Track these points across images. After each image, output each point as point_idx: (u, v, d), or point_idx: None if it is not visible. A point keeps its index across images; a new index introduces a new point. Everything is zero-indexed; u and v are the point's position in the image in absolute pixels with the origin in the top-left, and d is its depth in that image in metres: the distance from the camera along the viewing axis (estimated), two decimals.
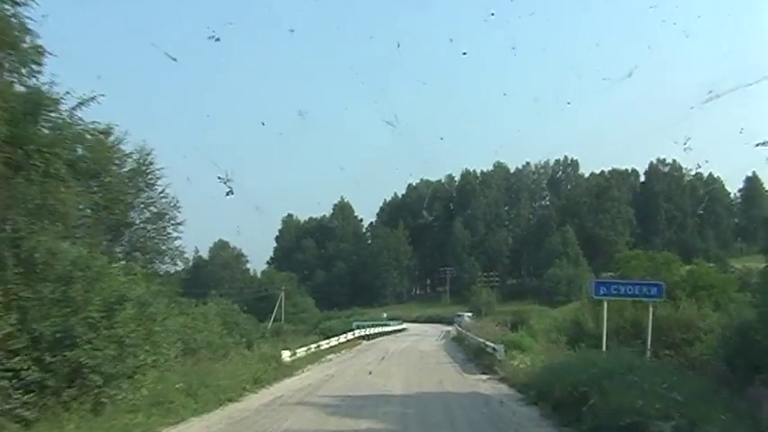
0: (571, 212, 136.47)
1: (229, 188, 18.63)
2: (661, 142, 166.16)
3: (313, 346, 30.66)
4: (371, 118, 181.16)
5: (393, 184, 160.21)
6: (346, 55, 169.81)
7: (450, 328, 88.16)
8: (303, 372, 25.75)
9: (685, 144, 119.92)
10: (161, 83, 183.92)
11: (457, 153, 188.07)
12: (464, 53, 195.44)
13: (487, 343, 27.15)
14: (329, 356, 32.56)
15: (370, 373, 24.87)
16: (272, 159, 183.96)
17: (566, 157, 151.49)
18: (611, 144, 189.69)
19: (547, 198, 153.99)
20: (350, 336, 42.38)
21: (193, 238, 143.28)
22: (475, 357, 29.24)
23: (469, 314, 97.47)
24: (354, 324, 49.85)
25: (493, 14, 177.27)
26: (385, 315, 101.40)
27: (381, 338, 53.55)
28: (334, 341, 36.64)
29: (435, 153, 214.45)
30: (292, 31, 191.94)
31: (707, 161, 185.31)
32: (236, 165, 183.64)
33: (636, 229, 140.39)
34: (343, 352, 36.51)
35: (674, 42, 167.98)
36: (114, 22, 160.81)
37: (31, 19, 13.16)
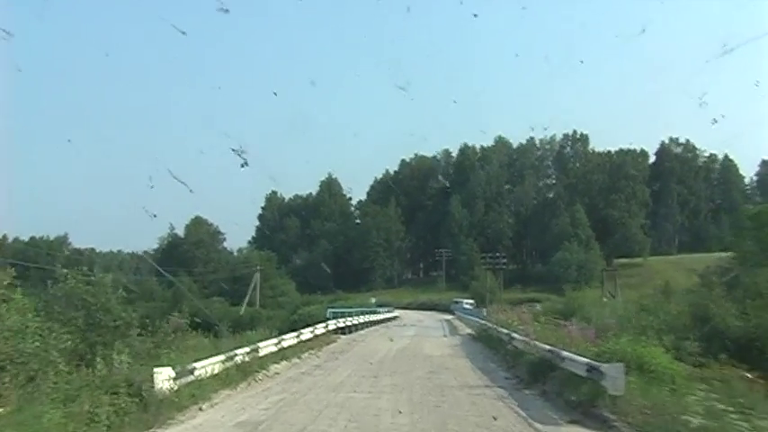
0: (581, 191, 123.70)
1: (244, 160, 20.72)
2: (676, 101, 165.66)
3: (241, 351, 17.20)
4: (384, 84, 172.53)
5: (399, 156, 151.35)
6: (357, 21, 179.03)
7: (449, 316, 77.18)
8: (184, 421, 12.31)
9: (701, 99, 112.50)
10: (170, 56, 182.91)
11: (469, 120, 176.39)
12: (475, 15, 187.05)
13: (575, 358, 13.84)
14: (274, 368, 19.34)
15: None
16: (284, 131, 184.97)
17: (574, 131, 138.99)
18: (624, 113, 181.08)
19: (553, 176, 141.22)
20: (321, 329, 29.09)
21: (208, 211, 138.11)
22: (534, 378, 16.09)
23: (470, 301, 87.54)
24: (329, 312, 36.14)
25: None
26: (373, 300, 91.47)
27: (367, 331, 40.24)
28: (290, 338, 23.32)
29: (449, 118, 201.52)
30: None
31: (723, 116, 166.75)
32: (249, 137, 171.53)
33: (651, 211, 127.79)
34: (304, 357, 23.17)
35: None
36: None
37: None
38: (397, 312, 76.20)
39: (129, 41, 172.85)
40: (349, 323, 37.01)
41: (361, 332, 38.53)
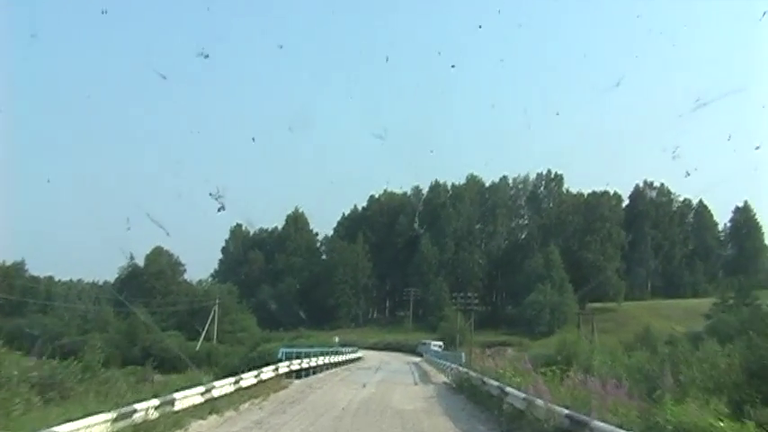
0: (554, 232, 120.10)
1: (221, 204, 21.78)
2: (650, 152, 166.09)
3: (144, 406, 12.29)
4: (361, 132, 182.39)
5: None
6: (336, 70, 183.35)
7: (417, 358, 73.24)
8: None
9: (674, 152, 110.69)
10: (152, 99, 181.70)
11: (445, 167, 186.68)
12: (453, 66, 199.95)
13: None
14: (195, 426, 14.51)
15: None
16: (262, 174, 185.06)
17: (548, 170, 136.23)
18: (599, 159, 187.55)
19: (526, 216, 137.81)
20: (269, 372, 24.01)
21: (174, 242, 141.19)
22: None
23: (439, 343, 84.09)
24: (281, 353, 30.41)
25: (480, 27, 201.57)
26: (336, 339, 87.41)
27: (327, 375, 35.34)
28: (225, 385, 18.36)
29: (424, 167, 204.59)
30: (281, 47, 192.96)
31: (696, 169, 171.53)
32: (227, 180, 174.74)
33: (627, 254, 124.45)
34: (243, 408, 18.24)
35: (661, 51, 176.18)
36: (104, 41, 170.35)
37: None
38: (361, 353, 71.60)
39: (110, 84, 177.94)
40: (306, 365, 32.14)
41: (320, 375, 33.60)
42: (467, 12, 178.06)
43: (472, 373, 24.12)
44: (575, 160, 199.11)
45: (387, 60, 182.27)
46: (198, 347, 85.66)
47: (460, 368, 28.98)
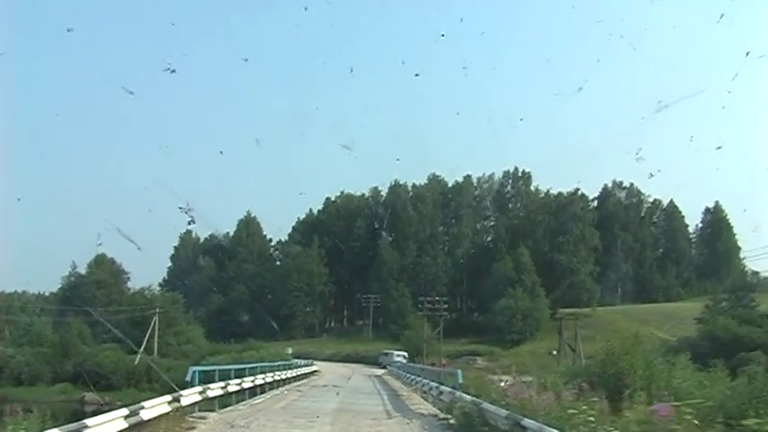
0: (523, 233, 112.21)
1: (191, 217, 18.78)
2: (614, 156, 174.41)
3: None
4: (328, 143, 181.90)
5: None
6: (300, 82, 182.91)
7: (379, 371, 65.91)
8: None
9: (637, 154, 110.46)
10: (118, 115, 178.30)
11: (409, 170, 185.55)
12: (416, 75, 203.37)
13: None
14: None
15: None
16: (230, 188, 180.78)
17: (515, 168, 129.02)
18: (564, 165, 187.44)
19: (492, 217, 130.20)
20: (161, 404, 14.87)
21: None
22: None
23: (402, 353, 76.92)
24: (191, 373, 19.96)
25: (443, 35, 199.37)
26: (290, 351, 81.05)
27: (266, 399, 26.23)
28: (105, 422, 9.65)
29: (392, 176, 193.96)
30: (246, 60, 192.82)
31: (660, 170, 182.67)
32: (196, 195, 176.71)
33: (600, 258, 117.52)
34: None
35: (622, 55, 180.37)
36: (70, 57, 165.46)
37: None
38: (318, 365, 63.24)
39: (77, 100, 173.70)
40: (236, 387, 23.38)
41: (256, 401, 24.64)
42: (429, 21, 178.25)
43: (488, 406, 15.08)
44: (540, 165, 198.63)
45: (351, 71, 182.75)
46: (137, 362, 77.15)
47: (456, 393, 19.97)
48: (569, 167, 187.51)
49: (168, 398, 15.57)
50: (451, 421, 18.44)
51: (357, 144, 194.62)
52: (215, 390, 20.16)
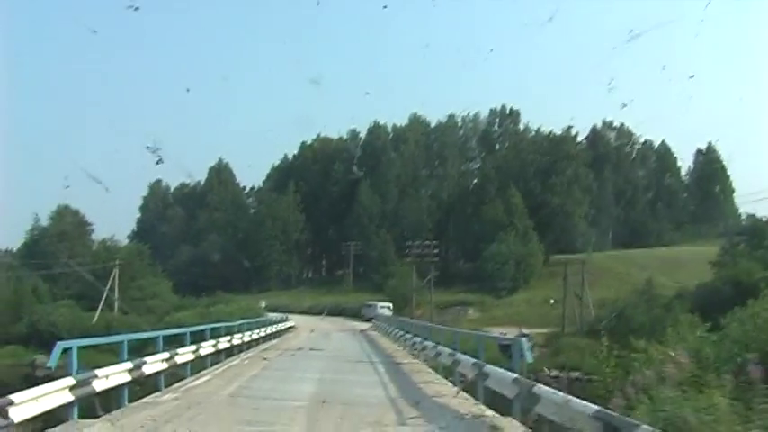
0: (513, 174, 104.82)
1: (159, 157, 23.12)
2: (585, 87, 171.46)
3: None
4: (296, 78, 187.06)
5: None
6: (267, 16, 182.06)
7: (364, 325, 59.37)
8: None
9: (609, 85, 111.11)
10: (81, 55, 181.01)
11: (384, 109, 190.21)
12: (384, 7, 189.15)
13: None
14: None
15: None
16: (199, 126, 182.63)
17: (503, 106, 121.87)
18: (539, 98, 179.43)
19: (478, 159, 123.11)
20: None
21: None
22: None
23: (387, 305, 70.64)
24: (56, 352, 12.55)
25: None
26: (263, 304, 77.25)
27: (218, 376, 18.71)
28: None
29: (362, 110, 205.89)
30: None
31: (632, 100, 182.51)
32: (163, 134, 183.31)
33: (595, 199, 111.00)
34: None
35: None
36: None
37: None
38: (293, 320, 56.24)
39: (39, 42, 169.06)
40: (183, 359, 15.95)
41: (197, 381, 16.96)
42: None
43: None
44: (515, 101, 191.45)
45: (318, 4, 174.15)
46: (95, 320, 70.74)
47: (470, 363, 11.68)
48: (545, 98, 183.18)
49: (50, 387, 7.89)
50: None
51: (325, 78, 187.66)
52: (116, 374, 12.20)
